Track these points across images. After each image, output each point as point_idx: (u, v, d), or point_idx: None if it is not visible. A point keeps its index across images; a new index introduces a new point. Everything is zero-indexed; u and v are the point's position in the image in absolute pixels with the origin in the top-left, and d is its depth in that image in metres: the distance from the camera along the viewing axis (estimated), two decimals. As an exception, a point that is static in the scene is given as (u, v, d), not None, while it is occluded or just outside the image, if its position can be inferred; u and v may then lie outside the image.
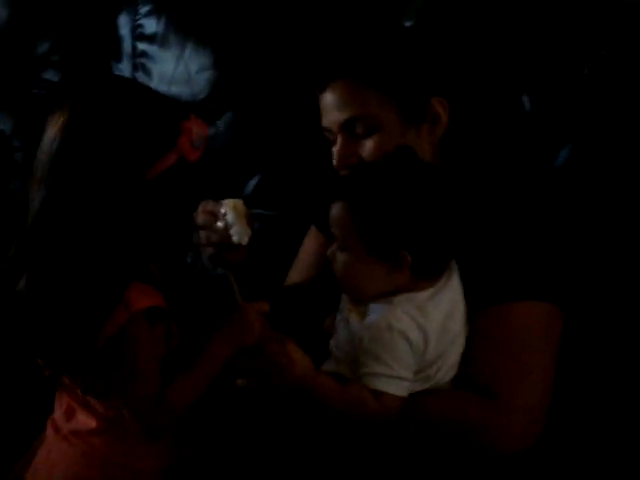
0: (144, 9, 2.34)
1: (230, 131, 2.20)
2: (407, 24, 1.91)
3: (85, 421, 1.50)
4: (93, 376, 1.44)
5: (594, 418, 1.65)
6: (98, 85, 1.46)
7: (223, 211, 1.56)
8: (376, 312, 1.41)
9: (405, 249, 1.38)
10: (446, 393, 1.46)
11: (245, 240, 1.56)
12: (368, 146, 1.54)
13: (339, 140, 1.57)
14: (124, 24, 2.40)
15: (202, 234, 1.61)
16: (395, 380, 1.38)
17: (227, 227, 1.55)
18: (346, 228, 1.41)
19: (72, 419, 1.52)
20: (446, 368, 1.45)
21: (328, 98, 1.57)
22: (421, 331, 1.39)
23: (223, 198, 1.60)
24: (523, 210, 1.54)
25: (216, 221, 1.56)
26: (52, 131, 1.38)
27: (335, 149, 1.58)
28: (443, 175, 1.43)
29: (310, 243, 1.85)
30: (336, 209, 1.43)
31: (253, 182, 2.16)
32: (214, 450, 1.60)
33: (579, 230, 1.65)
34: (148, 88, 1.54)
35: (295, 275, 1.85)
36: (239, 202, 1.57)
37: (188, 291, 1.91)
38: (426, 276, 1.43)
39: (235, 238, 1.55)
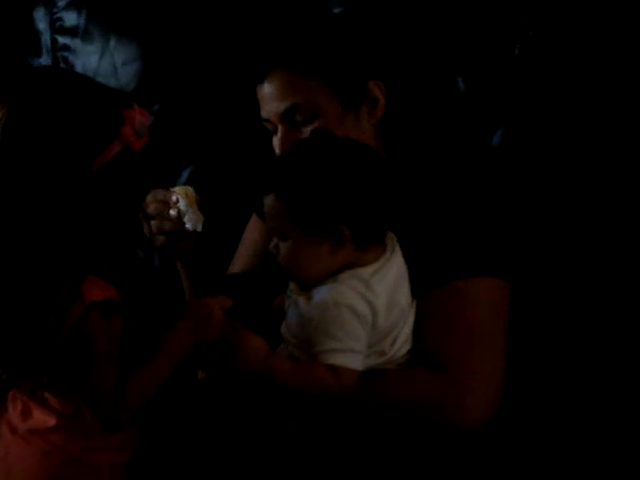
0: (62, 2, 2.31)
1: (160, 123, 2.18)
2: (336, 11, 1.94)
3: (43, 419, 1.49)
4: (52, 372, 1.43)
5: (547, 394, 1.70)
6: (36, 78, 1.46)
7: (174, 199, 1.57)
8: (322, 292, 1.42)
9: (341, 223, 1.40)
10: (400, 372, 1.47)
11: (199, 227, 1.57)
12: (309, 133, 1.56)
13: (280, 130, 1.58)
14: (41, 18, 2.36)
15: (153, 223, 1.60)
16: (348, 354, 1.39)
17: (180, 215, 1.56)
18: (280, 217, 1.43)
19: (29, 418, 1.51)
20: (400, 342, 1.47)
21: (266, 89, 1.58)
22: (367, 303, 1.40)
23: (163, 188, 1.60)
24: (466, 188, 1.58)
25: (168, 209, 1.57)
26: None
27: (276, 139, 1.59)
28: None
29: (252, 231, 1.86)
30: (267, 201, 1.44)
31: (186, 173, 2.16)
32: (175, 444, 1.60)
33: (520, 206, 1.70)
34: (87, 78, 1.54)
35: (239, 263, 1.86)
36: (190, 189, 1.59)
37: (141, 286, 1.92)
38: (368, 246, 1.44)
39: (189, 225, 1.56)
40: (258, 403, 1.53)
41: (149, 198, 1.60)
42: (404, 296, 1.48)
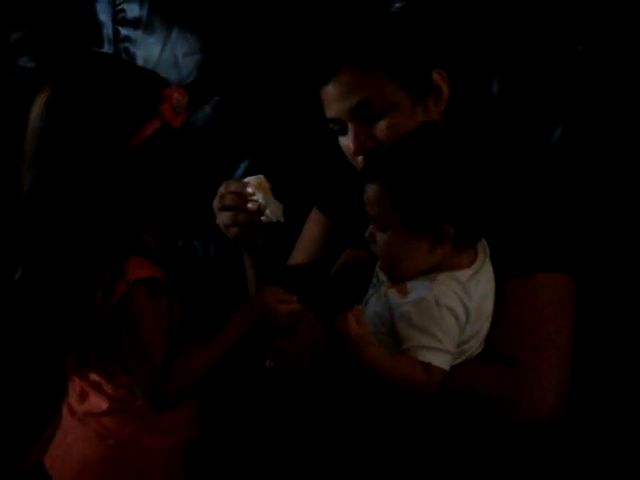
0: (125, -6, 2.33)
1: (218, 115, 2.20)
2: (397, 5, 1.93)
3: (97, 402, 1.52)
4: (99, 351, 1.46)
5: (606, 392, 1.69)
6: (78, 61, 1.49)
7: (250, 191, 1.55)
8: (419, 289, 1.42)
9: (447, 222, 1.39)
10: (474, 364, 1.47)
11: (282, 217, 1.55)
12: (383, 127, 1.55)
13: (352, 127, 1.57)
14: (103, 9, 2.38)
15: (226, 215, 1.59)
16: (442, 353, 1.40)
17: (260, 207, 1.54)
18: (385, 208, 1.42)
19: (85, 401, 1.54)
20: (476, 345, 1.47)
21: (333, 88, 1.57)
22: (464, 308, 1.41)
23: (220, 181, 1.60)
24: (536, 182, 1.56)
25: (245, 202, 1.55)
26: (37, 110, 1.41)
27: (349, 136, 1.58)
28: (470, 145, 1.45)
29: (312, 226, 1.85)
30: (372, 190, 1.43)
31: (244, 165, 2.17)
32: (234, 433, 1.61)
33: (583, 203, 1.68)
34: (127, 61, 1.56)
35: (298, 257, 1.86)
36: (262, 178, 1.57)
37: (188, 271, 1.93)
38: (465, 248, 1.44)
39: (273, 217, 1.54)
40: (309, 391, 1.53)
41: (222, 189, 1.59)
42: (491, 302, 1.47)
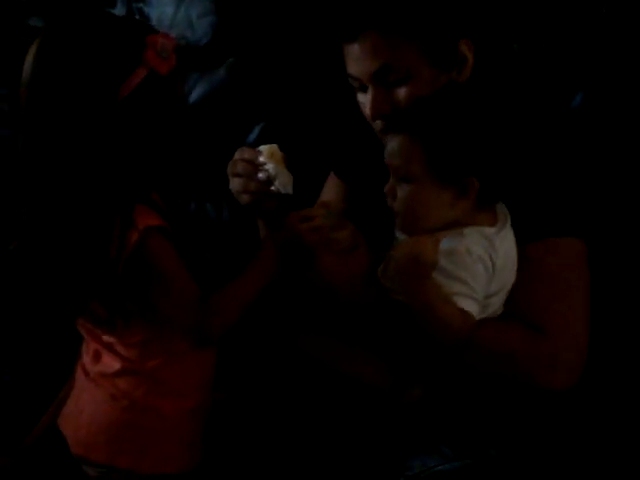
0: (138, -47, 2.31)
1: (233, 77, 2.18)
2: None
3: (110, 363, 1.52)
4: (113, 309, 1.45)
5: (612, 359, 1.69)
6: (65, 16, 1.49)
7: (262, 160, 1.54)
8: (448, 240, 1.42)
9: (473, 174, 1.40)
10: (499, 323, 1.48)
11: (290, 189, 1.54)
12: (402, 94, 1.53)
13: (371, 90, 1.56)
14: (116, -31, 2.37)
15: (238, 181, 1.58)
16: (473, 300, 1.41)
17: (269, 177, 1.54)
18: (412, 158, 1.42)
19: (99, 362, 1.54)
20: (499, 303, 1.47)
21: (357, 48, 1.54)
22: (491, 261, 1.42)
23: (234, 144, 1.59)
24: (554, 148, 1.55)
25: (256, 171, 1.55)
26: (26, 64, 1.40)
27: (367, 99, 1.57)
28: (496, 104, 1.46)
29: (330, 191, 1.84)
30: (399, 140, 1.43)
31: (258, 128, 2.15)
32: (250, 398, 1.61)
33: (599, 170, 1.68)
34: (115, 15, 1.54)
35: None
36: (275, 148, 1.55)
37: (198, 233, 1.92)
38: (484, 208, 1.45)
39: (281, 189, 1.53)
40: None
41: (236, 155, 1.58)
42: (515, 262, 1.48)
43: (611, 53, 1.71)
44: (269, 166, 1.53)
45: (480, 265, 1.40)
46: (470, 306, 1.40)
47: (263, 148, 1.56)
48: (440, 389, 1.50)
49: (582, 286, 1.52)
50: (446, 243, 1.42)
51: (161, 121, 1.43)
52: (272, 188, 1.54)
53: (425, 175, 1.42)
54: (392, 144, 1.45)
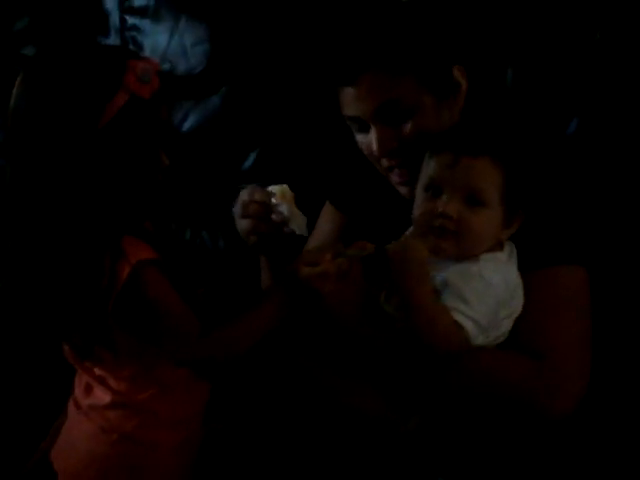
0: (132, -18, 2.31)
1: (227, 105, 2.18)
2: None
3: (101, 396, 1.51)
4: (105, 343, 1.44)
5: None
6: (55, 45, 1.49)
7: (275, 201, 1.52)
8: (464, 262, 1.44)
9: (524, 208, 1.44)
10: (497, 351, 1.47)
11: (305, 231, 1.53)
12: (408, 128, 1.53)
13: (375, 128, 1.55)
14: (110, -2, 2.37)
15: (248, 223, 1.56)
16: (474, 323, 1.40)
17: (283, 218, 1.51)
18: (491, 184, 1.43)
19: (90, 395, 1.53)
20: (507, 328, 1.47)
21: (356, 90, 1.53)
22: (506, 286, 1.44)
23: (230, 171, 1.57)
24: (555, 175, 1.55)
25: (269, 212, 1.52)
26: (13, 93, 1.40)
27: (371, 137, 1.56)
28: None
29: (326, 222, 1.82)
30: (480, 164, 1.43)
31: (253, 155, 2.15)
32: (243, 428, 1.60)
33: (597, 195, 1.67)
34: (99, 43, 1.53)
35: None
36: (286, 188, 1.53)
37: (191, 264, 1.91)
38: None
39: (296, 230, 1.52)
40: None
41: (245, 197, 1.55)
42: (522, 290, 1.48)
43: (605, 78, 1.71)
44: (283, 207, 1.51)
45: (491, 291, 1.41)
46: (467, 325, 1.40)
47: (274, 189, 1.53)
48: (437, 420, 1.49)
49: (583, 313, 1.52)
50: (462, 264, 1.43)
51: (145, 147, 1.41)
52: (285, 229, 1.52)
53: (499, 202, 1.43)
54: (468, 165, 1.44)
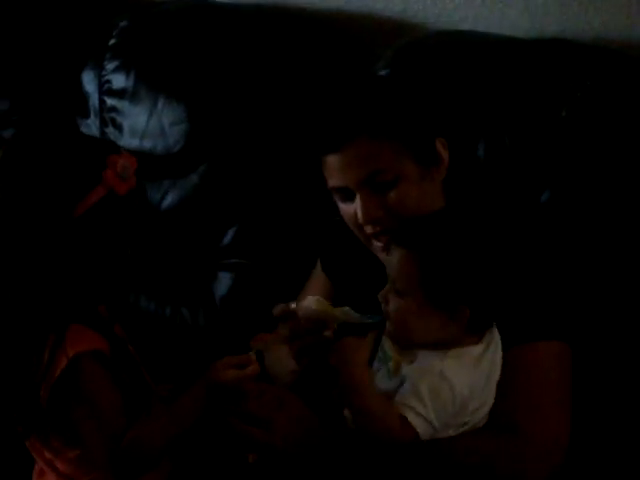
0: (111, 65, 2.33)
1: (205, 183, 2.20)
2: (382, 73, 1.96)
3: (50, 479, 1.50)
4: (44, 429, 1.44)
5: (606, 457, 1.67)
6: (33, 129, 1.50)
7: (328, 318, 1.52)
8: (429, 358, 1.42)
9: (465, 304, 1.40)
10: (475, 435, 1.45)
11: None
12: (394, 197, 1.55)
13: (360, 196, 1.56)
14: (89, 80, 2.39)
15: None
16: (425, 421, 1.39)
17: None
18: (409, 276, 1.42)
19: (42, 478, 1.53)
20: (481, 416, 1.46)
21: (342, 159, 1.55)
22: (469, 386, 1.41)
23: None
24: (529, 250, 1.57)
25: (319, 330, 1.52)
26: None
27: (356, 206, 1.57)
28: (485, 223, 1.48)
29: (315, 288, 1.82)
30: (399, 255, 1.44)
31: (231, 232, 2.16)
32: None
33: (575, 268, 1.67)
34: (80, 132, 1.54)
35: None
36: (321, 300, 1.56)
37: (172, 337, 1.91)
38: (476, 331, 1.45)
39: (365, 319, 1.51)
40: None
41: (301, 314, 1.53)
42: (498, 373, 1.47)
43: (572, 151, 1.74)
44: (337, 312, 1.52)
45: (448, 392, 1.38)
46: (417, 422, 1.39)
47: (313, 307, 1.53)
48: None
49: (562, 388, 1.51)
50: (424, 360, 1.42)
51: (116, 238, 1.44)
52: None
53: (419, 295, 1.42)
54: (392, 256, 1.45)
